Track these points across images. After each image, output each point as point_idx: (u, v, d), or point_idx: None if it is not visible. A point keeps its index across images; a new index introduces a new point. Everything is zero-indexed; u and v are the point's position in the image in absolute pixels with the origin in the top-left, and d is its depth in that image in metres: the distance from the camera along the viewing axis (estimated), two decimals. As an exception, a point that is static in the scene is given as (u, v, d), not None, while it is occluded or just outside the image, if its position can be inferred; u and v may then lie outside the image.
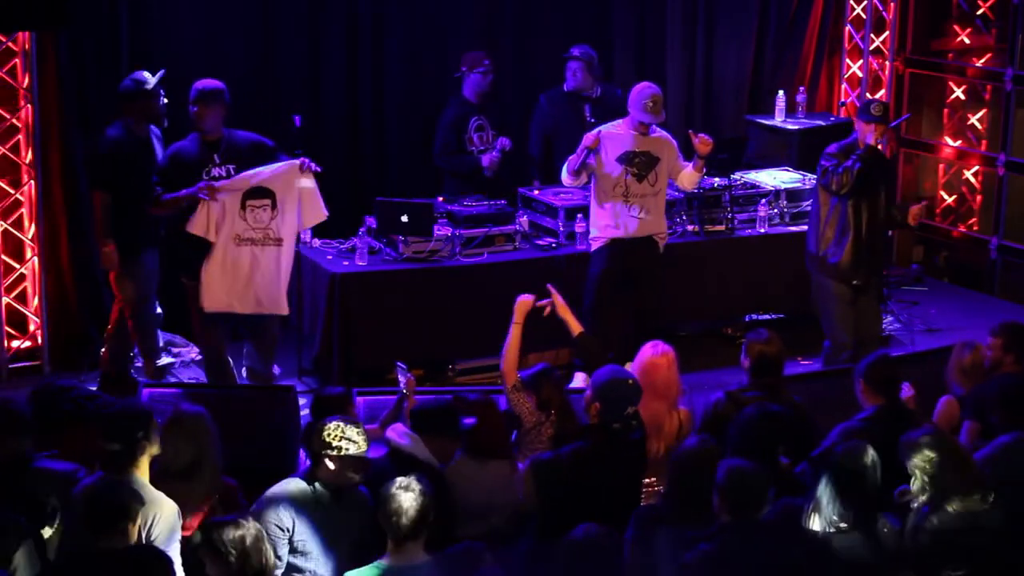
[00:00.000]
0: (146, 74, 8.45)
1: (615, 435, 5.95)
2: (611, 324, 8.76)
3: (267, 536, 5.32)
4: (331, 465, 5.59)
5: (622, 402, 5.97)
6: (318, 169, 8.05)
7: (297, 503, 5.60)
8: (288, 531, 5.58)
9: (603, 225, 8.87)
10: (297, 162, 7.99)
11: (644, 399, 6.30)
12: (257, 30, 9.76)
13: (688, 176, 8.97)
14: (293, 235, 8.15)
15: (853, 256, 8.58)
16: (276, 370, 8.60)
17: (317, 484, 5.62)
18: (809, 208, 9.87)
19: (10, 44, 8.78)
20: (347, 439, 5.57)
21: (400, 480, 5.25)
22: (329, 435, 5.58)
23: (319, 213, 8.16)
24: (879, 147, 8.52)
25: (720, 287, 9.67)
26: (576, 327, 7.13)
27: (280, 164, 8.02)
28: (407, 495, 5.18)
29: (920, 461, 5.43)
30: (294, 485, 5.68)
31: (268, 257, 8.05)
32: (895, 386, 6.37)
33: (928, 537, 5.35)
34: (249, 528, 5.06)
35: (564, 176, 8.88)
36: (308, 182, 8.02)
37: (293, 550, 5.58)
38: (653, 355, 6.73)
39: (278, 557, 5.49)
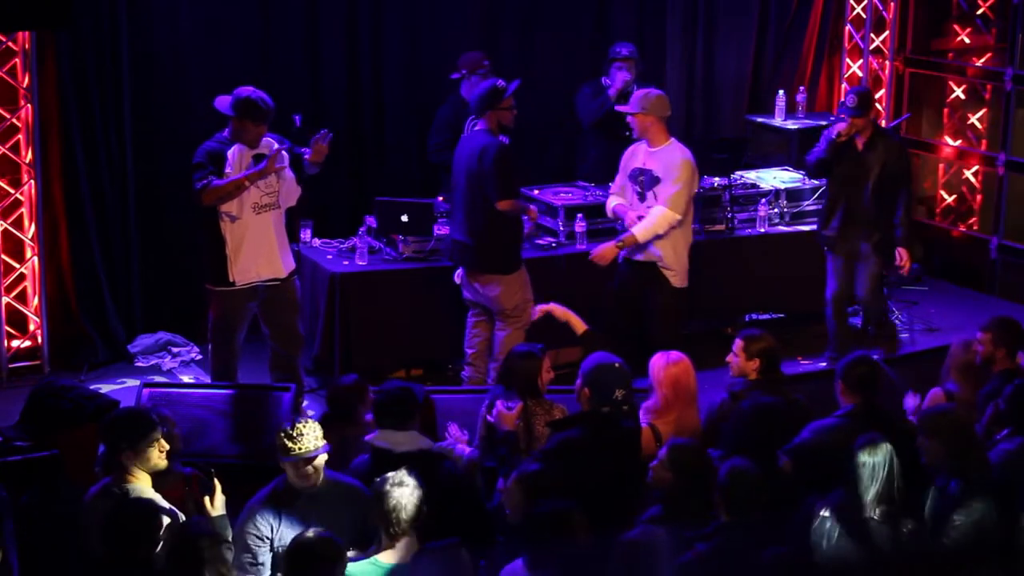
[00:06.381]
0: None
1: (605, 420, 5.95)
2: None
3: (246, 542, 5.37)
4: (288, 471, 5.55)
5: (610, 386, 5.97)
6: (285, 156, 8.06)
7: (276, 507, 5.54)
8: (269, 539, 5.51)
9: None
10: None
11: (678, 409, 6.45)
12: (257, 30, 9.75)
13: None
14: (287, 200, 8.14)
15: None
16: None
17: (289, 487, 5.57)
18: (808, 207, 9.91)
19: (10, 44, 8.78)
20: (292, 439, 5.48)
21: (392, 476, 5.23)
22: (279, 439, 5.52)
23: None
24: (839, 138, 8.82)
25: (720, 287, 9.65)
26: (580, 325, 7.12)
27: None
28: (402, 490, 5.17)
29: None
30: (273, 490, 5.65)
31: (278, 220, 8.06)
32: (871, 386, 6.31)
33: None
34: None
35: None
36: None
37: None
38: (668, 364, 6.64)
39: (260, 564, 5.48)
